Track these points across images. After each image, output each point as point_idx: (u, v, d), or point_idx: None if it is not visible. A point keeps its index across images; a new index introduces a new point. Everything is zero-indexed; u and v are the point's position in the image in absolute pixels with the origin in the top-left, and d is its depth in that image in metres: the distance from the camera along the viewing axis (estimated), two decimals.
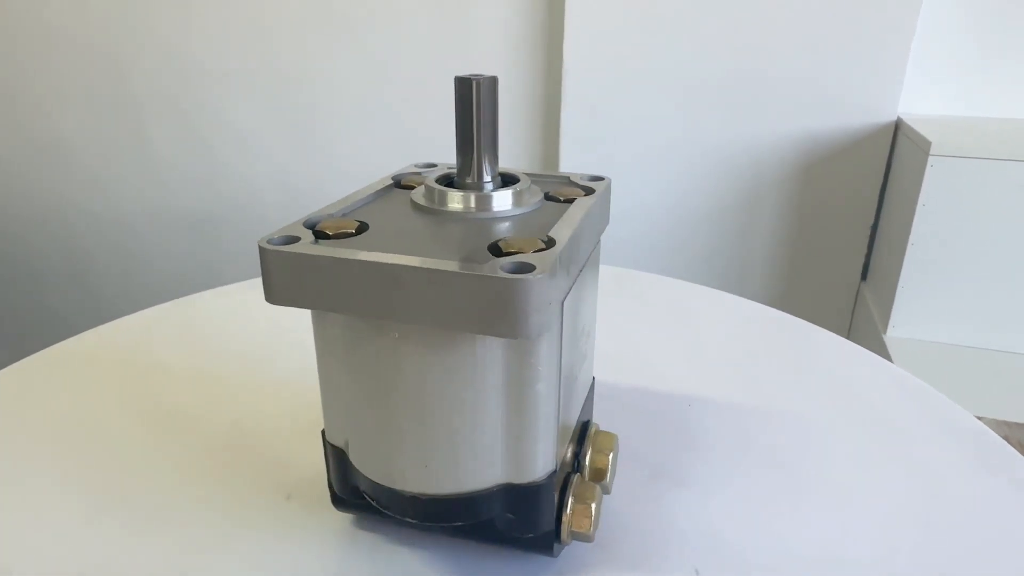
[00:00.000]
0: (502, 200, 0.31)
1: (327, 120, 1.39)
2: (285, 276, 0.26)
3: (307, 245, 0.26)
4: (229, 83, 1.40)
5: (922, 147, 0.96)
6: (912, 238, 0.98)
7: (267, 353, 0.52)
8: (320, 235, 0.28)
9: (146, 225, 1.57)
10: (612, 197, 1.39)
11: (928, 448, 0.42)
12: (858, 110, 1.11)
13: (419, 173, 0.37)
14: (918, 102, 1.14)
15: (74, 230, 1.61)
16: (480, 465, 0.29)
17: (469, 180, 0.32)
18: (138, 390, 0.47)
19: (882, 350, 1.00)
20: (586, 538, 0.32)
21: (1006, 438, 0.40)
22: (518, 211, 0.31)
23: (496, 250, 0.26)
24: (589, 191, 0.34)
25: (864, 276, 1.22)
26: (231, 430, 0.43)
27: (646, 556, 0.34)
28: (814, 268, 1.24)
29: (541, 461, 0.29)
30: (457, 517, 0.29)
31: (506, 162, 1.35)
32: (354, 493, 0.32)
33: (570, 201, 0.32)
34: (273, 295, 0.26)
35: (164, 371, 0.50)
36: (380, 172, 1.53)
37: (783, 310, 0.58)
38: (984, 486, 0.39)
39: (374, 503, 0.30)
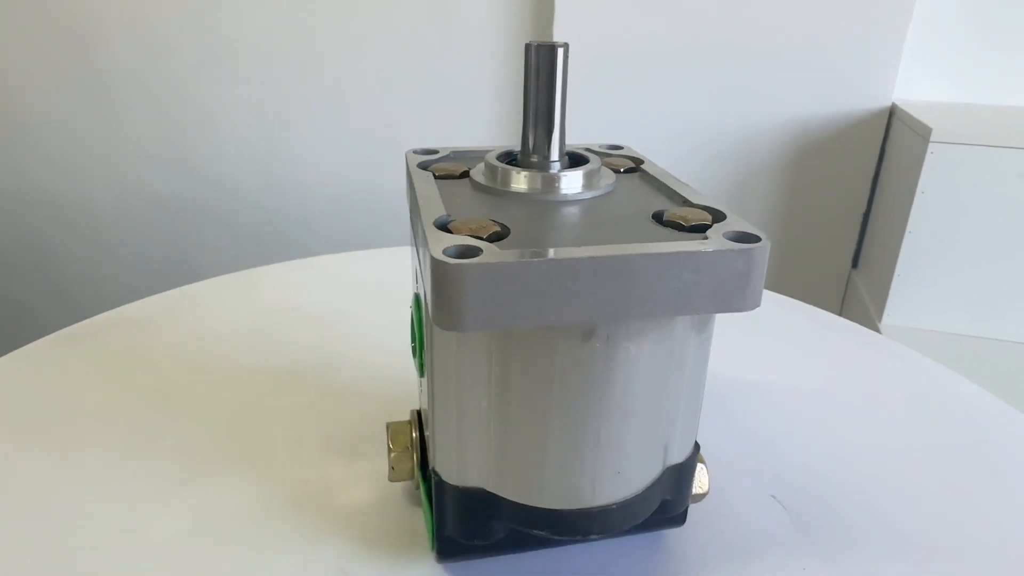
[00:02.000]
0: (598, 178, 0.29)
1: (303, 102, 1.31)
2: (485, 294, 0.21)
3: (506, 253, 0.21)
4: (200, 62, 1.30)
5: (922, 134, 0.93)
6: (910, 226, 0.95)
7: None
8: (483, 240, 0.23)
9: (112, 209, 1.48)
10: None
11: None
12: (853, 95, 1.09)
13: (434, 156, 0.32)
14: (913, 87, 1.12)
15: (36, 214, 1.51)
16: (660, 453, 0.27)
17: (538, 158, 0.29)
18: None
19: None
20: (701, 498, 0.32)
21: None
22: (607, 188, 0.29)
23: (662, 222, 0.25)
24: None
25: (855, 264, 1.20)
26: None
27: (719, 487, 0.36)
28: (805, 255, 1.22)
29: (695, 435, 0.29)
30: (640, 515, 0.27)
31: (496, 144, 1.34)
32: (487, 535, 0.28)
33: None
34: (464, 320, 0.21)
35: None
36: (360, 156, 1.35)
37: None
38: None
39: (542, 532, 0.27)
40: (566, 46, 0.28)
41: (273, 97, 1.33)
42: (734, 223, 0.24)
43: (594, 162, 0.29)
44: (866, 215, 1.16)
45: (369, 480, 0.36)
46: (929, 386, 0.48)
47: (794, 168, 1.16)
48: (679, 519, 0.31)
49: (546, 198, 0.28)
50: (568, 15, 1.12)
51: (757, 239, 0.23)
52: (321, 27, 1.26)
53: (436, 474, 0.27)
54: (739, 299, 0.23)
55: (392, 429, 0.34)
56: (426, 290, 0.23)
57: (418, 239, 0.26)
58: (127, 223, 1.51)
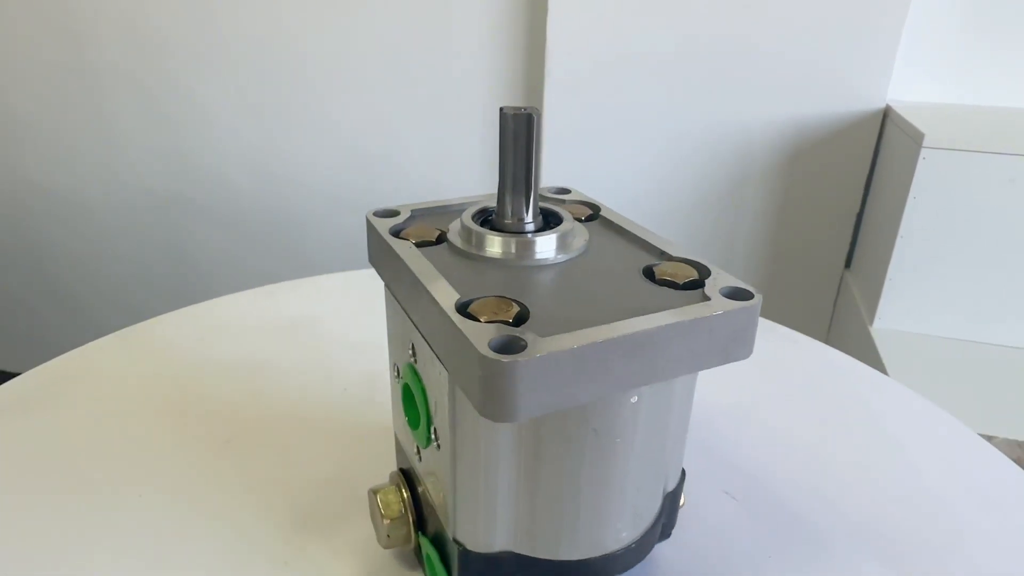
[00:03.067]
0: (578, 236, 0.30)
1: (298, 99, 1.31)
2: (536, 384, 0.22)
3: (548, 342, 0.22)
4: (195, 59, 1.31)
5: (914, 138, 0.93)
6: (901, 231, 0.95)
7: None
8: (510, 324, 0.23)
9: (106, 205, 1.49)
10: (594, 180, 1.25)
11: None
12: (847, 98, 1.09)
13: (399, 218, 0.32)
14: (907, 88, 1.11)
15: (31, 211, 1.53)
16: (662, 486, 0.29)
17: (515, 220, 0.30)
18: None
19: (868, 342, 1.00)
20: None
21: (1018, 460, 0.42)
22: (584, 245, 0.30)
23: (655, 281, 0.27)
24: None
25: (848, 264, 1.20)
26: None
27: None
28: (798, 255, 1.22)
29: (682, 461, 0.31)
30: (651, 545, 0.30)
31: (491, 146, 1.28)
32: None
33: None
34: (517, 411, 0.22)
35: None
36: (354, 154, 1.34)
37: (766, 296, 0.59)
38: None
39: None
40: (538, 112, 0.29)
41: (268, 94, 1.33)
42: (723, 279, 0.27)
43: (568, 219, 0.31)
44: (859, 216, 1.15)
45: (354, 552, 0.35)
46: (821, 368, 0.55)
47: (788, 169, 1.16)
48: (667, 534, 0.34)
49: (541, 262, 0.28)
50: (562, 13, 1.13)
51: (751, 295, 0.26)
52: (316, 24, 1.25)
53: (460, 544, 0.28)
54: (739, 350, 0.25)
55: (381, 496, 0.33)
56: (462, 381, 0.23)
57: (427, 319, 0.26)
58: (122, 219, 1.51)
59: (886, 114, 1.08)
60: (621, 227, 0.32)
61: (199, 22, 1.29)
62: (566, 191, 0.37)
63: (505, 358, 0.21)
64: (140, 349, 0.53)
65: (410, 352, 0.29)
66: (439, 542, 0.30)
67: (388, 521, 0.32)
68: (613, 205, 1.21)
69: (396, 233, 0.31)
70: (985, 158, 0.89)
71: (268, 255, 1.48)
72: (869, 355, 0.96)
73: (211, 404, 0.46)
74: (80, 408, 0.46)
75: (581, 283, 0.27)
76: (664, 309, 0.24)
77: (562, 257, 0.29)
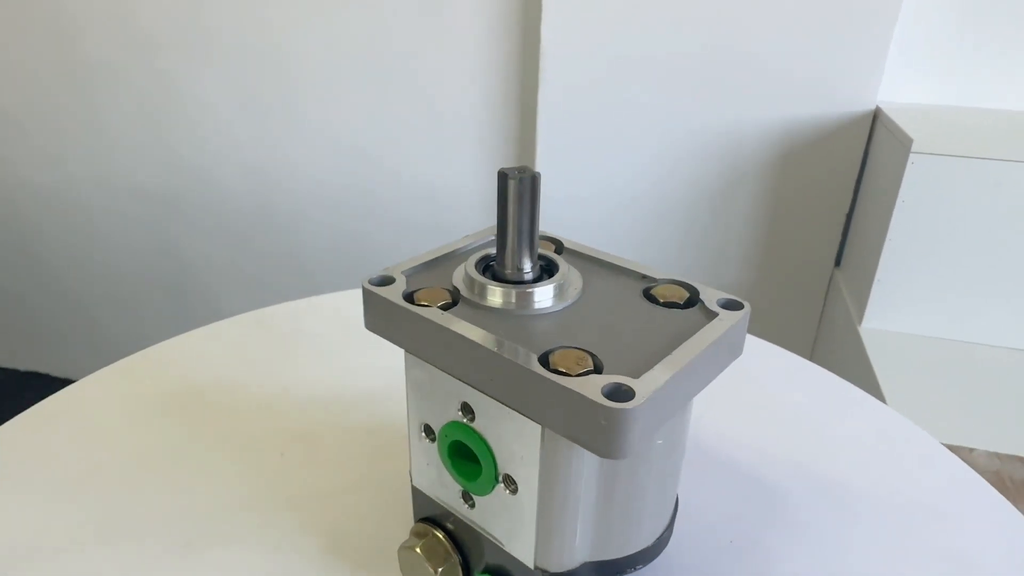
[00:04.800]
0: (575, 277, 0.34)
1: (290, 97, 1.32)
2: (646, 423, 0.26)
3: (644, 385, 0.26)
4: (186, 57, 1.32)
5: (903, 143, 0.94)
6: (890, 233, 0.97)
7: None
8: (595, 371, 0.27)
9: (98, 202, 1.52)
10: (587, 180, 1.25)
11: None
12: (837, 100, 1.09)
13: (393, 283, 0.32)
14: (899, 88, 1.12)
15: (19, 207, 1.56)
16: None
17: (514, 271, 0.32)
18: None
19: (857, 342, 1.01)
20: None
21: (997, 472, 0.44)
22: (581, 286, 0.34)
23: (661, 304, 0.32)
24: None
25: (838, 263, 1.21)
26: None
27: None
28: (789, 254, 1.22)
29: None
30: (671, 530, 0.35)
31: (485, 147, 1.29)
32: None
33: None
34: (633, 447, 0.26)
35: None
36: (346, 153, 1.35)
37: (757, 295, 0.60)
38: None
39: (636, 568, 0.33)
40: (538, 174, 0.31)
41: (260, 93, 1.33)
42: (713, 293, 0.33)
43: (561, 262, 0.34)
44: (849, 216, 1.18)
45: None
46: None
47: (780, 170, 1.17)
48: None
49: (547, 309, 0.31)
50: (556, 15, 1.13)
51: (742, 305, 0.32)
52: (308, 23, 1.25)
53: (542, 570, 0.31)
54: (736, 353, 0.32)
55: (423, 548, 0.34)
56: (570, 431, 0.26)
57: (501, 379, 0.28)
58: (114, 217, 1.53)
59: (876, 116, 1.09)
60: (591, 257, 0.37)
61: (190, 20, 1.29)
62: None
63: (626, 405, 0.25)
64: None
65: (459, 411, 0.31)
66: (504, 575, 0.33)
67: (440, 569, 0.34)
68: (606, 207, 1.27)
69: (411, 300, 0.32)
70: (972, 163, 0.90)
71: (260, 254, 1.50)
72: (857, 354, 1.00)
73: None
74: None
75: (609, 320, 0.31)
76: (694, 330, 0.30)
77: (571, 300, 0.32)
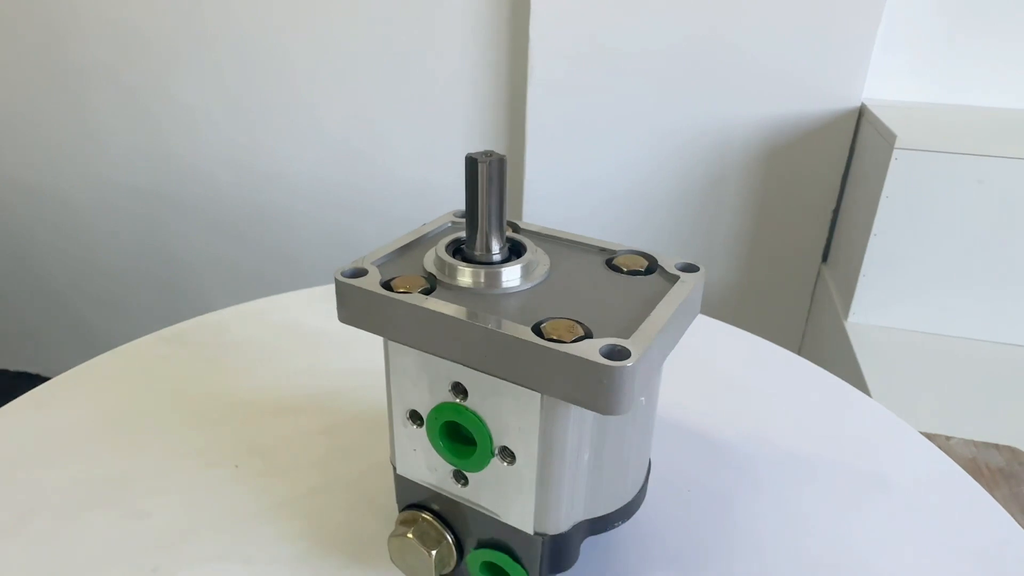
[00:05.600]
0: (539, 260, 0.35)
1: (281, 95, 1.33)
2: (640, 380, 0.28)
3: (636, 344, 0.28)
4: (177, 55, 1.33)
5: (887, 139, 0.94)
6: (875, 229, 0.98)
7: None
8: (588, 336, 0.28)
9: (89, 202, 1.52)
10: (575, 176, 1.26)
11: None
12: (822, 97, 1.10)
13: (366, 275, 0.33)
14: (882, 85, 1.13)
15: (10, 207, 1.56)
16: None
17: (482, 253, 0.33)
18: None
19: (843, 337, 1.02)
20: None
21: (973, 459, 0.44)
22: (548, 262, 0.35)
23: (624, 272, 0.34)
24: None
25: (825, 258, 1.21)
26: None
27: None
28: (776, 250, 1.23)
29: None
30: (647, 489, 0.38)
31: (474, 143, 1.31)
32: (577, 553, 0.34)
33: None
34: (632, 401, 0.28)
35: None
36: (337, 150, 1.36)
37: (745, 290, 0.60)
38: None
39: (617, 525, 0.35)
40: (504, 156, 0.33)
41: (251, 92, 1.33)
42: (671, 259, 0.35)
43: (528, 242, 0.36)
44: (836, 212, 1.20)
45: None
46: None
47: (767, 166, 1.18)
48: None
49: (513, 288, 0.32)
50: (544, 12, 1.13)
51: (698, 268, 0.35)
52: (299, 21, 1.25)
53: (542, 534, 0.32)
54: (695, 312, 0.34)
55: (414, 532, 0.35)
56: (570, 393, 0.28)
57: (497, 353, 0.29)
58: (105, 216, 1.52)
59: (861, 113, 1.11)
60: (549, 236, 0.38)
61: (182, 19, 1.30)
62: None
63: (625, 363, 0.27)
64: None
65: (449, 391, 0.32)
66: (502, 546, 0.34)
67: (435, 552, 0.34)
68: (594, 202, 1.30)
69: (389, 287, 0.32)
70: (955, 159, 0.92)
71: (253, 252, 1.50)
72: (843, 348, 1.02)
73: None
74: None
75: (582, 291, 0.33)
76: (662, 292, 0.32)
77: (543, 276, 0.34)
